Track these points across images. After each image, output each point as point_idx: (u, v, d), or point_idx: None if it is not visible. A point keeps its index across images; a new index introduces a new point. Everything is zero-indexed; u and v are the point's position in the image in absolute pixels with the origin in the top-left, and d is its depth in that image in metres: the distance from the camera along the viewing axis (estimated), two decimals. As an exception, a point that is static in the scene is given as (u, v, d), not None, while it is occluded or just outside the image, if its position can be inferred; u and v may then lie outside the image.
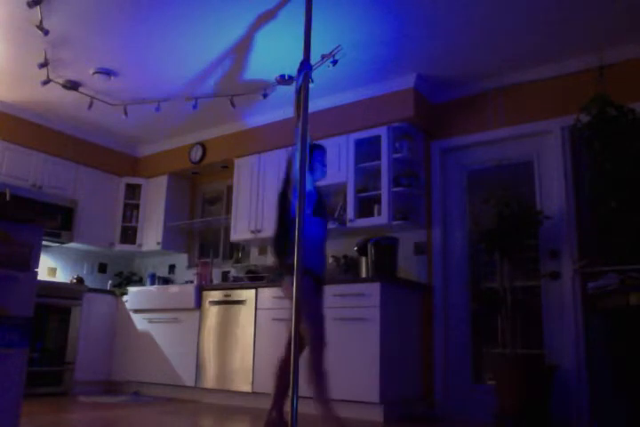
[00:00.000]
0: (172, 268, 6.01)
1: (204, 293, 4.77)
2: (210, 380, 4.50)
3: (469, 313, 4.17)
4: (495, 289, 3.82)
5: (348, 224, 4.38)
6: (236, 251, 5.47)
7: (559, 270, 3.81)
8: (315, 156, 3.09)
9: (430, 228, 4.37)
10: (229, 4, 3.44)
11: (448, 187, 4.45)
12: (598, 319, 3.26)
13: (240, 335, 4.42)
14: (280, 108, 4.91)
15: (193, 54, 4.08)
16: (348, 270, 4.46)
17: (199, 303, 4.75)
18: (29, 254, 2.19)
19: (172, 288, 5.06)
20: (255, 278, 4.79)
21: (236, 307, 4.51)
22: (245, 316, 4.44)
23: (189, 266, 5.86)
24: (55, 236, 5.23)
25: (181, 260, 5.96)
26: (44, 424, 3.29)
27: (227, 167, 5.58)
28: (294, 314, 2.01)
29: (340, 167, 4.50)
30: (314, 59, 3.26)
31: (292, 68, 4.02)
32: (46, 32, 3.61)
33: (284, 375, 2.72)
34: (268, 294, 4.35)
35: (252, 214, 5.03)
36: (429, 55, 4.00)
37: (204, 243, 5.93)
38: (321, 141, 3.70)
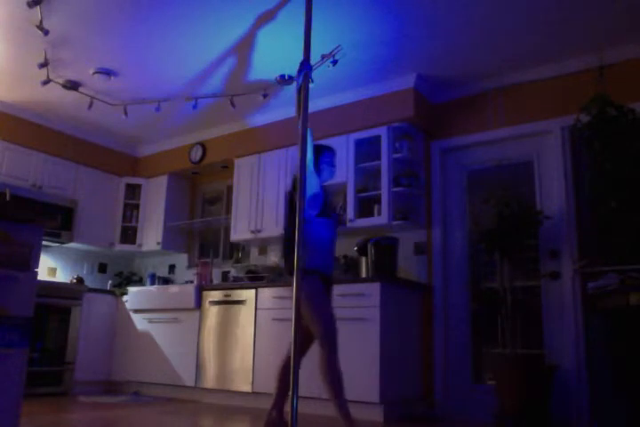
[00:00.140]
0: (171, 268, 6.01)
1: (204, 293, 4.77)
2: (210, 380, 4.50)
3: (469, 313, 4.17)
4: (495, 289, 3.82)
5: (348, 224, 4.38)
6: (236, 251, 5.47)
7: (559, 270, 3.81)
8: (323, 156, 3.07)
9: (430, 228, 4.37)
10: (229, 4, 3.44)
11: (448, 187, 4.45)
12: (598, 319, 3.26)
13: (240, 335, 4.42)
14: (280, 109, 4.92)
15: (193, 54, 4.08)
16: (348, 270, 4.46)
17: (199, 303, 4.76)
18: (29, 254, 2.19)
19: (172, 288, 5.06)
20: (255, 278, 4.79)
21: (236, 307, 4.52)
22: (245, 316, 4.44)
23: (189, 266, 5.86)
24: (55, 236, 5.23)
25: (181, 260, 5.96)
26: (43, 424, 3.29)
27: (227, 167, 5.58)
28: (294, 314, 2.01)
29: (339, 167, 4.48)
30: (314, 59, 3.25)
31: (292, 68, 4.03)
32: (46, 32, 3.61)
33: (287, 375, 2.72)
34: (268, 294, 4.35)
35: (252, 214, 5.04)
36: (429, 55, 4.00)
37: (204, 243, 5.93)
38: (321, 141, 3.70)
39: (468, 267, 4.25)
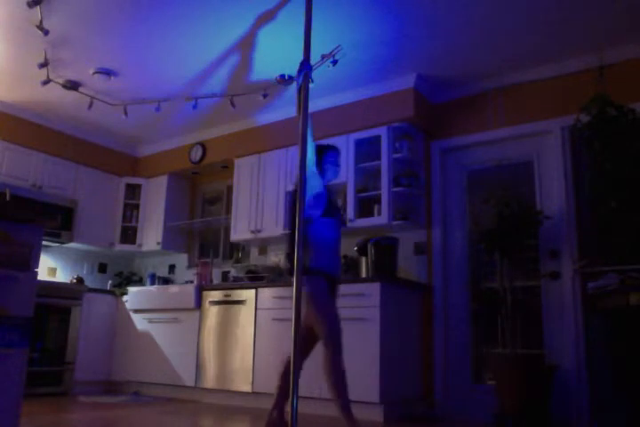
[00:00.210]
0: (171, 268, 6.01)
1: (204, 293, 4.77)
2: (210, 380, 4.50)
3: (469, 313, 4.17)
4: (495, 289, 3.82)
5: (348, 224, 4.37)
6: (236, 251, 5.47)
7: (559, 270, 3.81)
8: (327, 156, 3.05)
9: (430, 228, 4.37)
10: (229, 4, 3.44)
11: (448, 187, 4.45)
12: (598, 319, 3.26)
13: (240, 335, 4.42)
14: (280, 109, 4.92)
15: (193, 54, 4.08)
16: (348, 270, 4.46)
17: (199, 303, 4.76)
18: (29, 254, 2.19)
19: (172, 288, 5.06)
20: (255, 278, 4.79)
21: (236, 307, 4.52)
22: (245, 316, 4.44)
23: (189, 266, 5.86)
24: (55, 236, 5.23)
25: (181, 260, 5.96)
26: (43, 424, 3.29)
27: (227, 167, 5.58)
28: (294, 314, 2.01)
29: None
30: (314, 59, 3.26)
31: (292, 68, 4.03)
32: (46, 32, 3.61)
33: (289, 375, 2.72)
34: (268, 294, 4.35)
35: (252, 214, 5.04)
36: (429, 55, 4.00)
37: (204, 243, 5.93)
38: (321, 141, 3.70)
39: (468, 267, 4.25)
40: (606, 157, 3.19)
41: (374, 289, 3.78)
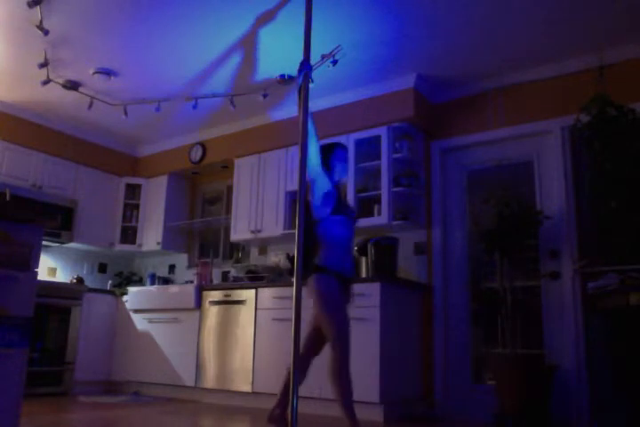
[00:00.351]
0: (172, 268, 6.01)
1: (204, 293, 4.77)
2: (210, 380, 4.50)
3: (469, 313, 4.17)
4: (495, 289, 3.82)
5: (348, 224, 4.37)
6: (236, 251, 5.47)
7: (559, 270, 3.81)
8: (335, 154, 3.02)
9: (430, 228, 4.37)
10: (229, 4, 3.44)
11: (448, 187, 4.45)
12: (598, 319, 3.26)
13: (240, 335, 4.42)
14: (280, 109, 4.92)
15: (193, 54, 4.08)
16: (348, 270, 4.46)
17: (199, 303, 4.76)
18: (29, 254, 2.19)
19: (172, 288, 5.06)
20: (255, 278, 4.79)
21: (236, 307, 4.51)
22: (245, 316, 4.44)
23: (189, 266, 5.86)
24: (55, 236, 5.23)
25: (181, 260, 5.96)
26: (43, 424, 3.29)
27: (227, 167, 5.58)
28: (294, 314, 2.01)
29: (340, 167, 4.50)
30: (314, 59, 3.25)
31: (292, 68, 4.03)
32: (46, 32, 3.61)
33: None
34: (268, 294, 4.35)
35: (252, 214, 5.04)
36: (429, 55, 4.00)
37: (204, 243, 5.93)
38: (321, 141, 3.70)
39: (468, 267, 4.25)
40: (606, 157, 3.19)
41: (374, 289, 3.78)
